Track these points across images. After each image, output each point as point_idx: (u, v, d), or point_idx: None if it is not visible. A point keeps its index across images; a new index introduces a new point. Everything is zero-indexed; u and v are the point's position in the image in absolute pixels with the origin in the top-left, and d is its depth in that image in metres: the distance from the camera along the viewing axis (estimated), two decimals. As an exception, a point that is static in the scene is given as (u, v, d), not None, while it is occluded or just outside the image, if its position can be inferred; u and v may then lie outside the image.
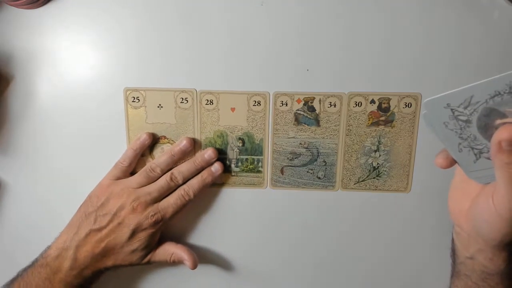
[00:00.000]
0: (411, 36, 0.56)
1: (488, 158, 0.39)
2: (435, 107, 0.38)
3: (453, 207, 0.47)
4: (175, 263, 0.59)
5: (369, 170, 0.60)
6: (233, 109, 0.58)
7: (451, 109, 0.38)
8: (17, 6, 0.55)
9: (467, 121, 0.38)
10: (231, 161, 0.60)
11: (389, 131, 0.59)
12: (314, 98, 0.58)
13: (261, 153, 0.60)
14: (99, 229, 0.56)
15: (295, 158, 0.60)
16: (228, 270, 0.65)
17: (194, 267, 0.58)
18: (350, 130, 0.59)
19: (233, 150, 0.60)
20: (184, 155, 0.59)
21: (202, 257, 0.63)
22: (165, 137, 0.60)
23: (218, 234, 0.63)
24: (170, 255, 0.59)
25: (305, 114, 0.58)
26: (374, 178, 0.61)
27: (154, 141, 0.60)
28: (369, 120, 0.58)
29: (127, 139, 0.60)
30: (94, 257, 0.56)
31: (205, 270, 0.64)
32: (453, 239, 0.49)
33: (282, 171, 0.61)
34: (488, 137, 0.38)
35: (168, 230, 0.61)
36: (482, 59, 0.56)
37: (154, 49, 0.57)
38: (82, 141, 0.60)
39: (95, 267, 0.57)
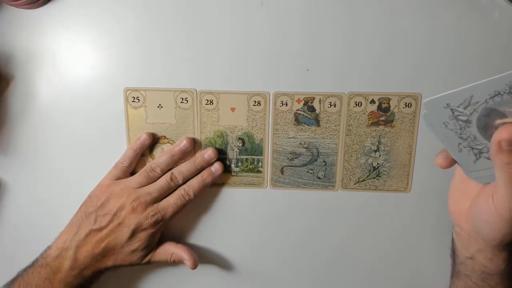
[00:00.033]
0: (411, 36, 0.56)
1: (488, 158, 0.39)
2: (435, 107, 0.38)
3: (453, 207, 0.47)
4: (175, 263, 0.59)
5: (369, 170, 0.60)
6: (233, 109, 0.58)
7: (451, 109, 0.38)
8: (17, 6, 0.55)
9: (467, 121, 0.38)
10: (231, 161, 0.60)
11: (389, 131, 0.59)
12: (314, 98, 0.58)
13: (261, 153, 0.60)
14: (99, 229, 0.56)
15: (295, 158, 0.60)
16: (228, 270, 0.65)
17: (195, 267, 0.58)
18: (350, 130, 0.59)
19: (233, 150, 0.60)
20: (184, 155, 0.59)
21: (202, 257, 0.63)
22: (165, 137, 0.60)
23: (218, 234, 0.63)
24: (170, 255, 0.59)
25: (305, 114, 0.58)
26: (374, 178, 0.61)
27: (154, 141, 0.60)
28: (369, 120, 0.58)
29: (127, 139, 0.60)
30: (94, 257, 0.56)
31: (205, 270, 0.64)
32: (453, 239, 0.49)
33: (282, 171, 0.61)
34: (488, 137, 0.38)
35: (168, 230, 0.61)
36: (482, 59, 0.56)
37: (154, 49, 0.57)
38: (82, 141, 0.60)
39: (95, 267, 0.57)
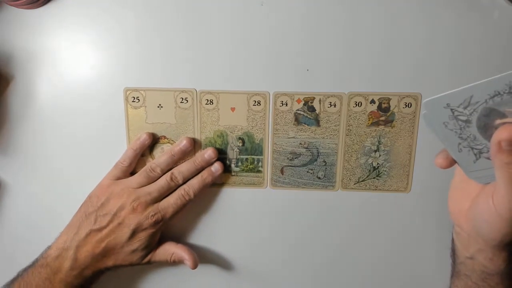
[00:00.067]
0: (411, 36, 0.56)
1: (488, 158, 0.39)
2: (435, 107, 0.38)
3: (453, 207, 0.47)
4: (176, 263, 0.59)
5: (369, 170, 0.60)
6: (233, 109, 0.59)
7: (451, 109, 0.38)
8: (17, 6, 0.55)
9: (467, 121, 0.38)
10: (231, 161, 0.60)
11: (389, 131, 0.59)
12: (314, 98, 0.58)
13: (261, 153, 0.60)
14: (99, 229, 0.56)
15: (295, 158, 0.60)
16: (228, 270, 0.65)
17: (195, 267, 0.58)
18: (350, 130, 0.59)
19: (233, 150, 0.60)
20: (184, 155, 0.59)
21: (202, 257, 0.63)
22: (165, 137, 0.60)
23: (218, 234, 0.63)
24: (170, 255, 0.59)
25: (305, 114, 0.58)
26: (374, 178, 0.61)
27: (154, 141, 0.60)
28: (369, 120, 0.58)
29: (127, 139, 0.60)
30: (94, 257, 0.56)
31: (205, 270, 0.64)
32: (453, 239, 0.49)
33: (282, 171, 0.61)
34: (488, 137, 0.38)
35: (168, 230, 0.61)
36: (482, 59, 0.56)
37: (154, 49, 0.57)
38: (82, 141, 0.60)
39: (96, 267, 0.57)
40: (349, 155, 0.60)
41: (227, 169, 0.61)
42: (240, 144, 0.60)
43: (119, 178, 0.58)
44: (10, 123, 0.59)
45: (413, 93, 0.57)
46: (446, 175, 0.47)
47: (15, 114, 0.59)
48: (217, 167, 0.59)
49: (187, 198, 0.58)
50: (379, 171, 0.60)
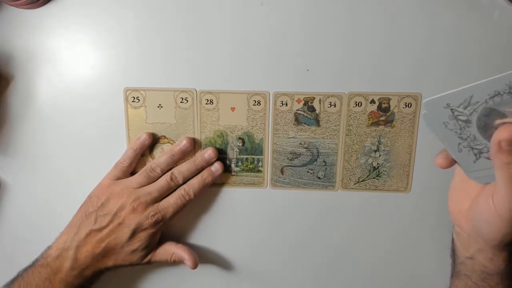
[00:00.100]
0: (411, 36, 0.56)
1: (488, 158, 0.39)
2: (435, 107, 0.38)
3: (453, 207, 0.47)
4: (176, 263, 0.59)
5: (369, 170, 0.60)
6: (233, 109, 0.59)
7: (451, 109, 0.38)
8: (17, 6, 0.55)
9: (467, 121, 0.38)
10: (231, 160, 0.60)
11: (389, 131, 0.59)
12: (314, 98, 0.58)
13: (261, 152, 0.60)
14: (100, 229, 0.56)
15: (295, 158, 0.60)
16: (228, 270, 0.65)
17: (195, 266, 0.58)
18: (350, 130, 0.59)
19: (233, 149, 0.60)
20: (184, 155, 0.59)
21: (202, 257, 0.63)
22: (165, 137, 0.60)
23: (218, 234, 0.63)
24: (170, 255, 0.59)
25: (305, 114, 0.58)
26: (374, 178, 0.61)
27: (154, 141, 0.60)
28: (369, 120, 0.58)
29: (127, 139, 0.60)
30: (94, 257, 0.56)
31: (205, 270, 0.64)
32: (453, 239, 0.49)
33: (282, 171, 0.61)
34: (488, 137, 0.38)
35: (168, 230, 0.61)
36: (482, 59, 0.56)
37: (154, 49, 0.57)
38: (82, 141, 0.60)
39: (96, 267, 0.57)
40: (349, 155, 0.60)
41: (227, 169, 0.61)
42: (240, 144, 0.60)
43: (119, 178, 0.58)
44: (10, 123, 0.59)
45: (413, 93, 0.57)
46: (446, 175, 0.47)
47: (15, 114, 0.59)
48: (217, 167, 0.59)
49: (187, 198, 0.58)
50: (379, 171, 0.60)
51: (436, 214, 0.61)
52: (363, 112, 0.58)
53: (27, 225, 0.63)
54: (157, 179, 0.58)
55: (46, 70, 0.58)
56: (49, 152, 0.60)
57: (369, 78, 0.57)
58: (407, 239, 0.63)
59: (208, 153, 0.58)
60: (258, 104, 0.58)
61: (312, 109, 0.58)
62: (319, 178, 0.61)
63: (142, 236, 0.56)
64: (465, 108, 0.37)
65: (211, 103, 0.58)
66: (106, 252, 0.56)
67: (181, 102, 0.58)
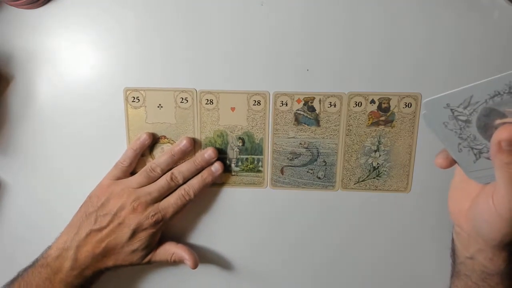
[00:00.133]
0: (411, 36, 0.56)
1: (488, 158, 0.39)
2: (434, 107, 0.38)
3: (453, 207, 0.47)
4: (176, 263, 0.59)
5: (369, 170, 0.60)
6: (233, 109, 0.59)
7: (451, 109, 0.38)
8: (17, 6, 0.55)
9: (467, 121, 0.38)
10: (231, 160, 0.60)
11: (389, 131, 0.59)
12: (314, 98, 0.58)
13: (261, 152, 0.60)
14: (100, 229, 0.56)
15: (295, 158, 0.60)
16: (228, 270, 0.65)
17: (195, 266, 0.58)
18: (350, 130, 0.59)
19: (233, 149, 0.60)
20: (184, 155, 0.59)
21: (202, 257, 0.63)
22: (165, 137, 0.60)
23: (218, 234, 0.63)
24: (170, 255, 0.59)
25: (305, 114, 0.58)
26: (374, 178, 0.61)
27: (154, 141, 0.60)
28: (369, 120, 0.58)
29: (127, 139, 0.60)
30: (94, 257, 0.56)
31: (205, 270, 0.64)
32: (453, 239, 0.49)
33: (282, 171, 0.61)
34: (488, 137, 0.38)
35: (168, 230, 0.61)
36: (482, 59, 0.56)
37: (154, 49, 0.57)
38: (82, 141, 0.60)
39: (96, 267, 0.57)
40: (349, 155, 0.60)
41: (227, 169, 0.61)
42: (240, 144, 0.60)
43: (119, 178, 0.58)
44: (10, 123, 0.59)
45: (413, 93, 0.57)
46: (446, 175, 0.47)
47: (15, 114, 0.59)
48: (217, 167, 0.59)
49: (187, 198, 0.58)
50: (379, 171, 0.60)
51: (436, 214, 0.61)
52: (363, 112, 0.58)
53: (27, 225, 0.63)
54: (157, 179, 0.58)
55: (46, 70, 0.58)
56: (49, 152, 0.60)
57: (369, 78, 0.57)
58: (407, 239, 0.63)
59: (208, 153, 0.58)
60: (258, 104, 0.58)
61: (312, 109, 0.58)
62: (319, 178, 0.61)
63: (142, 236, 0.56)
64: (465, 108, 0.37)
65: (211, 103, 0.58)
66: (106, 252, 0.56)
67: (181, 102, 0.58)
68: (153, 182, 0.58)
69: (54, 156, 0.60)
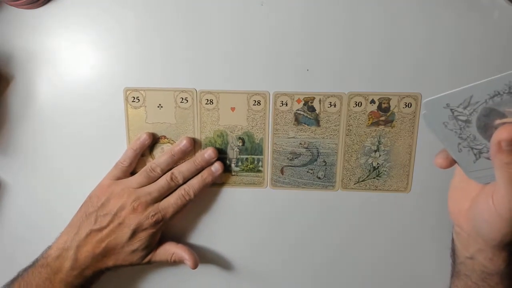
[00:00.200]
0: (411, 36, 0.56)
1: (488, 158, 0.39)
2: (434, 107, 0.38)
3: (453, 207, 0.47)
4: (176, 263, 0.59)
5: (369, 170, 0.60)
6: (233, 109, 0.59)
7: (451, 109, 0.38)
8: (17, 6, 0.55)
9: (467, 121, 0.38)
10: (231, 160, 0.60)
11: (389, 131, 0.59)
12: (314, 98, 0.58)
13: (261, 152, 0.60)
14: (100, 229, 0.56)
15: (295, 158, 0.60)
16: (228, 270, 0.65)
17: (195, 266, 0.58)
18: (350, 130, 0.59)
19: (233, 149, 0.60)
20: (184, 155, 0.59)
21: (202, 257, 0.63)
22: (165, 137, 0.60)
23: (218, 234, 0.63)
24: (170, 255, 0.59)
25: (305, 114, 0.58)
26: (374, 178, 0.61)
27: (154, 141, 0.60)
28: (369, 120, 0.58)
29: (127, 139, 0.60)
30: (94, 257, 0.56)
31: (205, 270, 0.64)
32: (453, 239, 0.49)
33: (282, 171, 0.61)
34: (488, 137, 0.38)
35: (168, 230, 0.61)
36: (482, 59, 0.56)
37: (154, 49, 0.57)
38: (82, 141, 0.60)
39: (96, 267, 0.57)
40: (349, 155, 0.60)
41: (227, 169, 0.61)
42: (240, 144, 0.60)
43: (119, 178, 0.58)
44: (10, 123, 0.59)
45: (413, 93, 0.57)
46: (446, 175, 0.47)
47: (15, 114, 0.59)
48: (217, 167, 0.59)
49: (187, 198, 0.58)
50: (379, 171, 0.60)
51: (436, 214, 0.61)
52: (363, 112, 0.58)
53: (27, 225, 0.63)
54: (157, 179, 0.58)
55: (46, 70, 0.58)
56: (49, 152, 0.60)
57: (369, 78, 0.57)
58: (407, 239, 0.63)
59: (208, 153, 0.58)
60: (258, 104, 0.58)
61: (312, 109, 0.58)
62: (319, 178, 0.61)
63: (142, 236, 0.57)
64: (465, 108, 0.37)
65: (211, 103, 0.58)
66: (106, 252, 0.56)
67: (181, 102, 0.58)
68: (153, 182, 0.58)
69: (54, 156, 0.60)
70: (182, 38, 0.57)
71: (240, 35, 0.56)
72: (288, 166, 0.60)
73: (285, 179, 0.61)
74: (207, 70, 0.57)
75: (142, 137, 0.58)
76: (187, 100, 0.58)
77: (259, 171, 0.61)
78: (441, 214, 0.59)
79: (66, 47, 0.57)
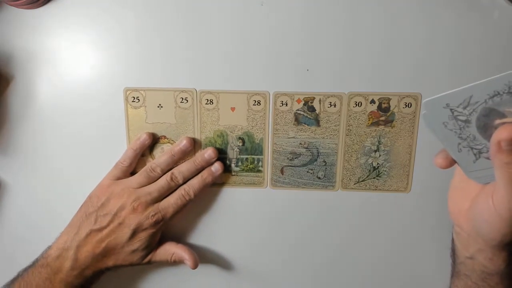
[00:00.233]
0: (411, 36, 0.56)
1: (488, 158, 0.39)
2: (434, 107, 0.38)
3: (452, 207, 0.47)
4: (176, 263, 0.59)
5: (369, 170, 0.60)
6: (233, 109, 0.59)
7: (451, 109, 0.38)
8: (17, 6, 0.55)
9: (467, 121, 0.38)
10: (231, 160, 0.60)
11: (389, 131, 0.59)
12: (314, 98, 0.58)
13: (261, 152, 0.60)
14: (100, 229, 0.56)
15: (295, 158, 0.60)
16: (228, 270, 0.65)
17: (195, 266, 0.58)
18: (350, 130, 0.59)
19: (233, 149, 0.60)
20: (184, 155, 0.59)
21: (202, 257, 0.63)
22: (165, 137, 0.60)
23: (218, 234, 0.63)
24: (170, 255, 0.59)
25: (305, 114, 0.58)
26: (374, 178, 0.61)
27: (154, 141, 0.60)
28: (369, 120, 0.58)
29: (127, 139, 0.60)
30: (94, 257, 0.56)
31: (205, 270, 0.64)
32: (453, 239, 0.49)
33: (282, 171, 0.61)
34: (488, 137, 0.38)
35: (168, 230, 0.61)
36: (482, 59, 0.56)
37: (154, 49, 0.57)
38: (82, 141, 0.60)
39: (96, 267, 0.57)
40: (349, 155, 0.60)
41: (227, 169, 0.61)
42: (240, 144, 0.60)
43: (119, 178, 0.58)
44: (10, 123, 0.59)
45: (413, 93, 0.57)
46: (446, 175, 0.47)
47: (15, 114, 0.59)
48: (217, 167, 0.59)
49: (187, 198, 0.58)
50: (379, 171, 0.60)
51: (436, 214, 0.61)
52: (363, 112, 0.58)
53: (27, 225, 0.63)
54: (157, 179, 0.58)
55: (46, 70, 0.58)
56: (49, 152, 0.60)
57: (369, 78, 0.57)
58: (407, 239, 0.63)
59: (208, 153, 0.58)
60: (258, 104, 0.58)
61: (312, 109, 0.58)
62: (319, 178, 0.61)
63: (142, 236, 0.57)
64: (464, 108, 0.37)
65: (211, 103, 0.58)
66: (106, 252, 0.56)
67: (181, 102, 0.58)
68: (153, 182, 0.58)
69: (54, 156, 0.60)
70: (182, 38, 0.57)
71: (240, 35, 0.56)
72: (288, 166, 0.61)
73: (285, 179, 0.61)
74: (207, 70, 0.57)
75: (142, 137, 0.58)
76: (187, 100, 0.58)
77: (259, 171, 0.61)
78: (441, 214, 0.59)
79: (66, 47, 0.57)
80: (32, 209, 0.62)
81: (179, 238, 0.63)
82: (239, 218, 0.63)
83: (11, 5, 0.55)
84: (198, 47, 0.57)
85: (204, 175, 0.59)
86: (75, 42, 0.57)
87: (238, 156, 0.60)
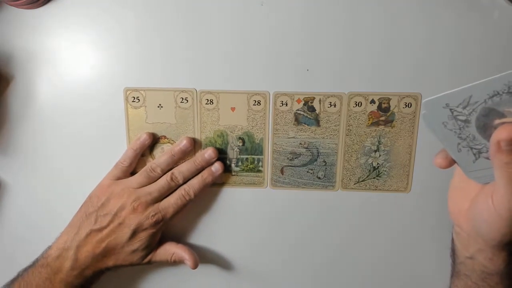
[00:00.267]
0: (411, 36, 0.56)
1: (487, 158, 0.39)
2: (434, 107, 0.38)
3: (452, 207, 0.47)
4: (176, 263, 0.59)
5: (369, 170, 0.60)
6: (233, 109, 0.59)
7: (450, 109, 0.38)
8: (17, 6, 0.55)
9: (466, 121, 0.38)
10: (231, 160, 0.61)
11: (389, 131, 0.59)
12: (314, 98, 0.58)
13: (261, 152, 0.60)
14: (100, 229, 0.56)
15: (295, 158, 0.60)
16: (228, 270, 0.65)
17: (195, 266, 0.58)
18: (350, 130, 0.59)
19: (233, 149, 0.60)
20: (184, 155, 0.59)
21: (202, 257, 0.63)
22: (165, 137, 0.60)
23: (218, 234, 0.63)
24: (170, 255, 0.59)
25: (305, 114, 0.58)
26: (374, 178, 0.61)
27: (154, 141, 0.60)
28: (369, 120, 0.58)
29: (127, 139, 0.60)
30: (94, 257, 0.56)
31: (205, 270, 0.64)
32: (453, 239, 0.49)
33: (282, 171, 0.61)
34: (487, 137, 0.38)
35: (168, 230, 0.61)
36: (482, 59, 0.56)
37: (154, 49, 0.57)
38: (82, 141, 0.60)
39: (96, 267, 0.57)
40: (349, 155, 0.60)
41: (227, 169, 0.61)
42: (240, 144, 0.60)
43: (119, 178, 0.58)
44: (10, 123, 0.59)
45: (413, 93, 0.57)
46: (446, 175, 0.47)
47: (15, 114, 0.59)
48: (217, 167, 0.59)
49: (187, 198, 0.58)
50: (379, 171, 0.60)
51: (436, 214, 0.61)
52: (363, 112, 0.58)
53: (27, 225, 0.63)
54: (158, 179, 0.58)
55: (46, 70, 0.58)
56: (49, 152, 0.60)
57: (369, 78, 0.57)
58: (407, 239, 0.63)
59: (208, 153, 0.58)
60: (258, 104, 0.58)
61: (312, 109, 0.58)
62: (319, 178, 0.61)
63: (143, 236, 0.57)
64: (464, 108, 0.37)
65: (211, 103, 0.58)
66: (107, 252, 0.56)
67: (181, 102, 0.58)
68: (153, 182, 0.58)
69: (54, 156, 0.60)
70: (182, 38, 0.57)
71: (240, 35, 0.56)
72: (288, 166, 0.61)
73: (285, 179, 0.61)
74: (207, 70, 0.57)
75: (142, 137, 0.58)
76: (187, 100, 0.58)
77: (259, 171, 0.61)
78: (441, 214, 0.59)
79: (66, 47, 0.57)
80: (32, 209, 0.62)
81: (179, 238, 0.63)
82: (239, 218, 0.63)
83: (11, 5, 0.55)
84: (198, 47, 0.57)
85: (204, 175, 0.59)
86: (75, 42, 0.57)
87: (238, 156, 0.60)
